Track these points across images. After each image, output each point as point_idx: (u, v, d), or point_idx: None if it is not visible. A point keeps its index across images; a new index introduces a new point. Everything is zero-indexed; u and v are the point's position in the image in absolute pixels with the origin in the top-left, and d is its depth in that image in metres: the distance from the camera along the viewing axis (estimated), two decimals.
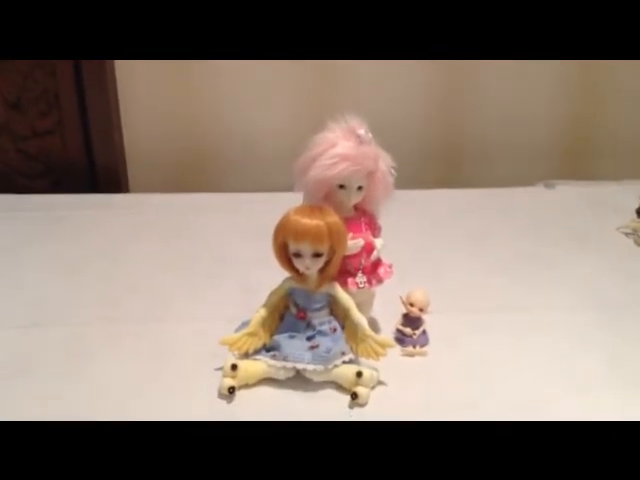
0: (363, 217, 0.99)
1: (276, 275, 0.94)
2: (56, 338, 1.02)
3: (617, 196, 1.52)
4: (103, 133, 1.60)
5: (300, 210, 0.90)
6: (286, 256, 0.91)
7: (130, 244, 1.32)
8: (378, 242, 0.99)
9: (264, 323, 0.95)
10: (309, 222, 0.87)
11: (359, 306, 0.95)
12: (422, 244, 1.33)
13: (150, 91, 1.64)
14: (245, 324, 0.96)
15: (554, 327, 1.07)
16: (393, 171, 0.98)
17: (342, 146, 0.93)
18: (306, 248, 0.88)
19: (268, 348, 0.94)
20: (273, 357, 0.92)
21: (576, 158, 1.77)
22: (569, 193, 1.56)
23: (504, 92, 1.71)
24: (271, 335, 0.95)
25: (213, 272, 1.22)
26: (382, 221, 1.01)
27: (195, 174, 1.70)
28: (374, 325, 1.02)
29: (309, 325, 0.93)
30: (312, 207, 0.91)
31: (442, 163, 1.75)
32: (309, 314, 0.93)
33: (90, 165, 1.61)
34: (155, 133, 1.68)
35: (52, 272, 1.21)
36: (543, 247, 1.33)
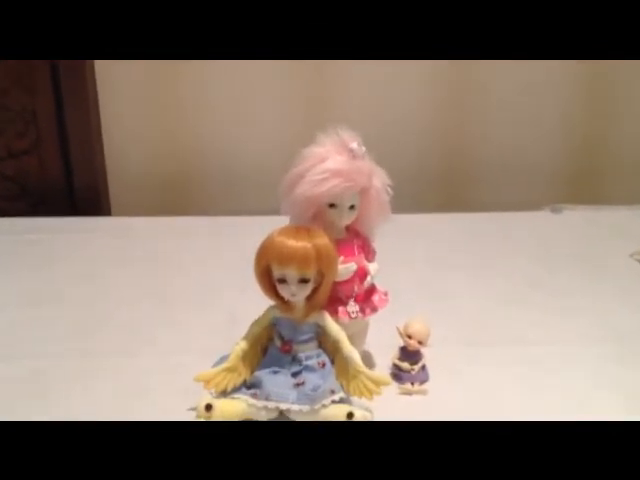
0: (356, 239, 0.91)
1: (263, 304, 0.86)
2: (19, 374, 0.94)
3: (628, 221, 1.45)
4: (83, 153, 1.54)
5: (285, 231, 0.82)
6: (270, 282, 0.83)
7: (109, 270, 1.26)
8: (372, 267, 0.91)
9: (245, 357, 0.86)
10: (295, 244, 0.80)
11: (351, 338, 0.86)
12: (421, 271, 1.26)
13: (133, 110, 1.58)
14: (224, 358, 0.87)
15: (566, 361, 0.99)
16: (389, 189, 0.89)
17: (333, 160, 0.85)
18: (292, 273, 0.80)
19: (249, 385, 0.86)
20: (253, 396, 0.84)
21: (583, 182, 1.70)
22: (577, 218, 1.50)
23: (508, 113, 1.65)
24: (252, 370, 0.86)
25: (195, 300, 1.16)
26: (377, 245, 0.94)
27: (180, 196, 1.64)
28: (368, 360, 0.94)
29: (295, 359, 0.84)
30: (298, 227, 0.83)
31: (442, 186, 1.68)
32: (295, 347, 0.85)
33: (69, 187, 1.54)
34: (138, 153, 1.62)
35: (20, 300, 1.14)
36: (552, 275, 1.25)
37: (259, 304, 0.86)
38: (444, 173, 1.67)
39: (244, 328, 0.87)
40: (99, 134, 1.57)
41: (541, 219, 1.50)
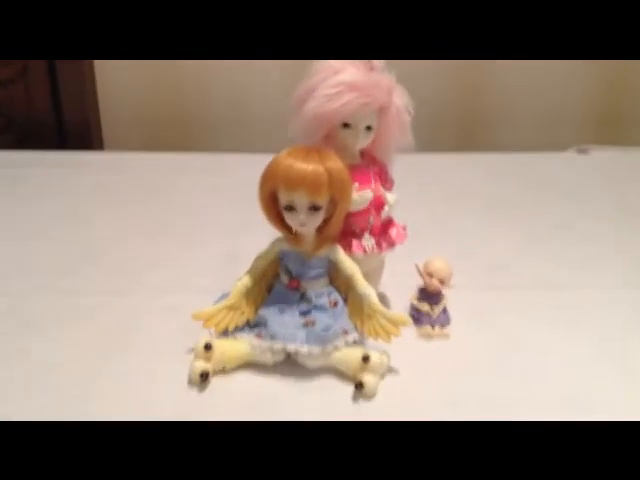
0: (372, 165, 0.82)
1: (264, 242, 0.79)
2: None
3: None
4: (73, 83, 1.43)
5: (294, 152, 0.73)
6: (276, 210, 0.75)
7: (98, 206, 1.17)
8: (390, 196, 0.81)
9: (248, 294, 0.78)
10: (305, 166, 0.71)
11: (365, 276, 0.78)
12: (441, 212, 1.17)
13: None
14: (225, 296, 0.79)
15: (598, 308, 0.91)
16: (411, 109, 0.79)
17: (349, 73, 0.75)
18: (301, 199, 0.72)
19: (252, 325, 0.78)
20: (258, 336, 0.76)
21: (610, 123, 1.59)
22: (605, 159, 1.40)
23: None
24: (256, 309, 0.78)
25: (191, 238, 1.07)
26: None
27: (179, 132, 1.54)
28: (383, 302, 0.83)
29: (304, 297, 0.77)
30: (309, 148, 0.73)
31: (459, 127, 1.58)
32: (304, 283, 0.76)
33: (58, 119, 1.45)
34: (133, 84, 1.51)
35: (3, 235, 1.07)
36: (580, 218, 1.16)
37: (262, 242, 0.78)
38: (464, 113, 1.57)
39: (246, 266, 0.79)
40: (90, 63, 1.46)
41: (566, 160, 1.40)
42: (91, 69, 1.45)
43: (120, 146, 1.50)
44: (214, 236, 1.06)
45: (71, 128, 1.44)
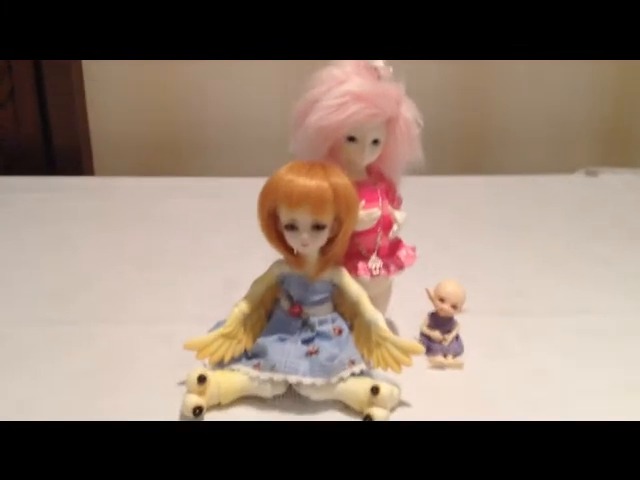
0: (379, 182, 0.77)
1: (262, 268, 0.73)
2: None
3: None
4: (62, 107, 1.39)
5: (296, 167, 0.67)
6: (276, 230, 0.70)
7: (88, 232, 1.12)
8: (399, 215, 0.76)
9: (245, 321, 0.72)
10: (308, 182, 0.66)
11: (372, 301, 0.72)
12: (449, 235, 1.12)
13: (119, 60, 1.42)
14: (221, 324, 0.73)
15: (622, 332, 0.85)
16: (420, 121, 0.74)
17: (354, 83, 0.70)
18: (303, 217, 0.66)
19: (250, 355, 0.72)
20: (256, 367, 0.69)
21: (617, 145, 1.57)
22: (615, 181, 1.36)
23: (537, 70, 1.50)
24: (254, 337, 0.72)
25: (185, 265, 1.02)
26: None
27: (171, 156, 1.50)
28: (391, 329, 0.77)
29: (306, 324, 0.71)
30: (312, 163, 0.68)
31: (464, 149, 1.55)
32: (306, 309, 0.71)
33: (47, 143, 1.40)
34: (125, 108, 1.47)
35: None
36: (594, 241, 1.11)
37: (260, 268, 0.73)
38: (468, 135, 1.54)
39: (243, 293, 0.74)
40: (81, 85, 1.42)
41: (576, 182, 1.37)
42: (81, 92, 1.42)
43: (111, 171, 1.46)
44: (209, 262, 1.02)
45: (60, 153, 1.40)
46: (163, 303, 0.90)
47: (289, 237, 0.68)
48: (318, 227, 0.67)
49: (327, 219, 0.67)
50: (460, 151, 1.53)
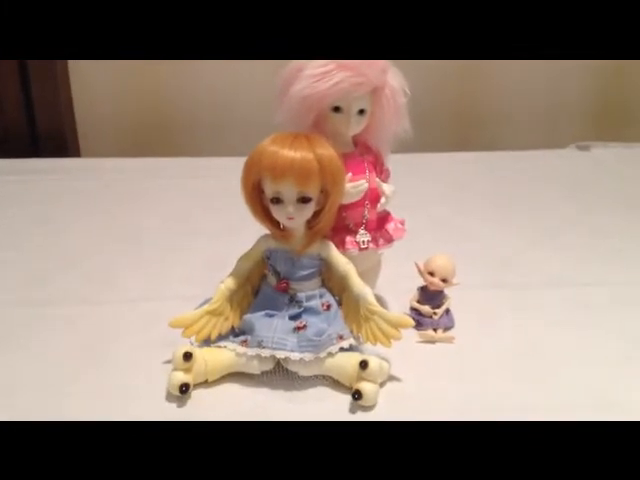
0: (366, 154, 0.75)
1: (248, 247, 0.72)
2: None
3: None
4: (46, 88, 1.36)
5: (280, 138, 0.66)
6: (261, 203, 0.68)
7: (73, 214, 1.10)
8: (387, 187, 0.74)
9: (232, 298, 0.71)
10: (292, 153, 0.64)
11: (361, 276, 0.71)
12: (440, 212, 1.11)
13: None
14: (208, 302, 0.72)
15: (614, 305, 0.84)
16: (407, 90, 0.72)
17: None
18: (289, 190, 0.65)
19: (238, 332, 0.70)
20: (243, 343, 0.68)
21: (607, 120, 1.55)
22: (607, 155, 1.35)
23: None
24: (241, 314, 0.71)
25: (170, 245, 1.00)
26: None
27: (159, 138, 1.48)
28: (380, 304, 0.75)
29: (293, 300, 0.70)
30: (297, 135, 0.67)
31: (455, 126, 1.53)
32: (293, 285, 0.70)
33: (31, 126, 1.37)
34: (110, 88, 1.45)
35: None
36: (588, 214, 1.10)
37: (247, 247, 0.72)
38: (460, 112, 1.52)
39: (228, 272, 0.72)
40: (65, 67, 1.39)
41: (567, 157, 1.35)
42: (65, 73, 1.39)
43: (98, 153, 1.43)
44: (196, 242, 1.00)
45: (45, 135, 1.37)
46: (149, 282, 0.89)
47: (274, 211, 0.67)
48: (304, 200, 0.65)
49: (313, 191, 0.65)
50: (451, 128, 1.52)
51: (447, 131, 1.51)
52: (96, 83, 1.43)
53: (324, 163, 0.65)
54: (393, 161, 0.78)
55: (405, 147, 0.75)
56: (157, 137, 1.46)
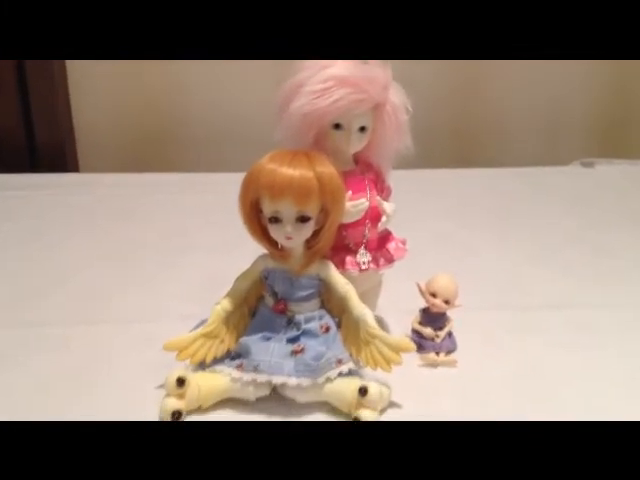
0: (367, 172, 0.73)
1: (247, 265, 0.70)
2: None
3: None
4: (45, 102, 1.34)
5: (279, 155, 0.64)
6: (259, 222, 0.66)
7: (69, 230, 1.09)
8: (388, 206, 0.72)
9: (228, 319, 0.69)
10: (292, 171, 0.62)
11: (361, 297, 0.69)
12: (442, 229, 1.09)
13: None
14: (204, 323, 0.69)
15: (622, 327, 0.82)
16: (409, 107, 0.71)
17: (339, 67, 0.67)
18: (287, 209, 0.63)
19: (233, 355, 0.68)
20: (239, 367, 0.66)
21: (612, 136, 1.52)
22: (612, 172, 1.33)
23: (531, 61, 1.42)
24: (238, 337, 0.69)
25: (167, 261, 0.98)
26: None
27: (158, 153, 1.45)
28: (381, 326, 0.74)
29: (291, 322, 0.67)
30: (296, 152, 0.65)
31: (456, 141, 1.50)
32: (291, 306, 0.67)
33: (30, 140, 1.35)
34: (109, 103, 1.42)
35: None
36: (592, 232, 1.08)
37: (245, 265, 0.70)
38: (461, 127, 1.50)
39: (226, 290, 0.70)
40: (64, 80, 1.37)
41: (572, 174, 1.34)
42: (65, 87, 1.38)
43: (96, 168, 1.41)
44: (194, 259, 0.98)
45: (44, 150, 1.35)
46: (145, 301, 0.87)
47: (272, 230, 0.65)
48: (303, 219, 0.63)
49: (312, 210, 0.64)
50: (453, 144, 1.49)
51: (449, 147, 1.48)
52: (95, 98, 1.42)
53: (324, 181, 0.63)
54: (394, 177, 0.76)
55: (407, 163, 0.73)
56: (155, 152, 1.44)
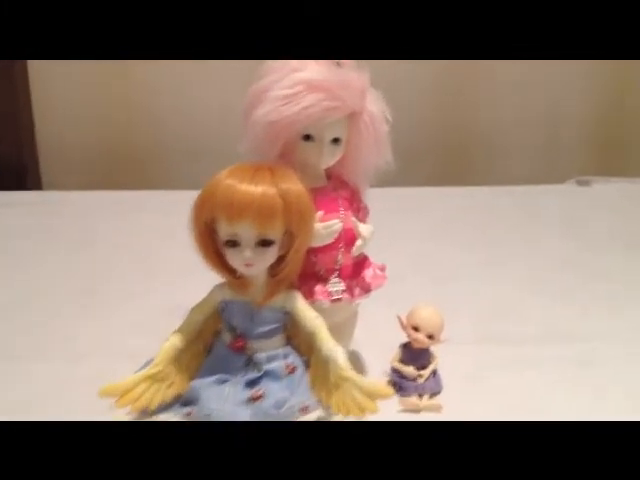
0: (340, 189, 0.66)
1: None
2: None
3: None
4: (6, 116, 1.28)
5: (238, 170, 0.57)
6: (213, 246, 0.59)
7: (24, 254, 1.02)
8: (364, 228, 0.65)
9: (179, 358, 0.61)
10: (252, 189, 0.56)
11: (333, 331, 0.61)
12: (426, 251, 1.03)
13: (68, 67, 1.32)
14: (151, 362, 0.62)
15: (622, 362, 0.75)
16: (388, 116, 0.63)
17: (310, 70, 0.60)
18: (246, 232, 0.56)
19: (184, 401, 0.60)
20: (187, 416, 0.58)
21: (609, 154, 1.47)
22: (609, 191, 1.28)
23: (524, 74, 1.41)
24: (190, 378, 0.61)
25: (128, 289, 0.92)
26: (371, 221, 0.69)
27: (127, 169, 1.39)
28: (356, 364, 0.69)
29: (251, 362, 0.60)
30: (259, 166, 0.58)
31: (446, 159, 1.45)
32: (251, 343, 0.60)
33: None
34: (76, 117, 1.36)
35: None
36: (588, 254, 1.02)
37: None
38: (451, 144, 1.45)
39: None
40: (26, 90, 1.31)
41: (566, 192, 1.28)
42: (28, 101, 1.32)
43: (61, 186, 1.35)
44: (158, 285, 0.91)
45: (3, 165, 1.29)
46: (98, 335, 0.79)
47: (230, 255, 0.57)
48: (264, 243, 0.56)
49: (275, 233, 0.56)
50: (439, 159, 1.44)
51: (435, 163, 1.43)
52: (60, 111, 1.36)
53: (289, 200, 0.56)
54: (372, 196, 0.69)
55: (386, 181, 0.66)
56: (125, 168, 1.39)
